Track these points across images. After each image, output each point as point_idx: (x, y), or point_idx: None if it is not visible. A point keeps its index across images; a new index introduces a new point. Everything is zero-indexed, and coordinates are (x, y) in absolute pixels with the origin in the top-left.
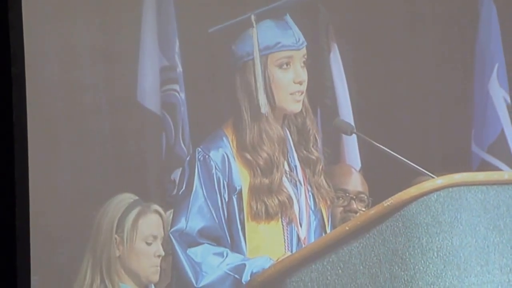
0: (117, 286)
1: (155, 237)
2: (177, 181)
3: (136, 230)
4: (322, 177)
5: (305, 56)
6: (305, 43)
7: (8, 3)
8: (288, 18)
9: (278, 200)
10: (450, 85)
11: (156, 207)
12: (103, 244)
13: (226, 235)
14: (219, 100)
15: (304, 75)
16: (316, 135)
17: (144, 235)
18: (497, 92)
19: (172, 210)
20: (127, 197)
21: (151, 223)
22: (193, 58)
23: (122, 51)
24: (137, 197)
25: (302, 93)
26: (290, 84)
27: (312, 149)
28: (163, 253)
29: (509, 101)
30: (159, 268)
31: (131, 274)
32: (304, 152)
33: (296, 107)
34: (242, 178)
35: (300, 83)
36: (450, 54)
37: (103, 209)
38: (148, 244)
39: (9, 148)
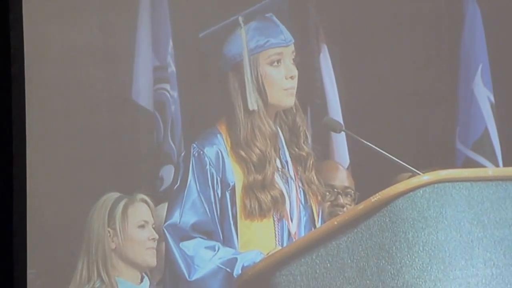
0: (114, 281)
1: (146, 222)
2: (164, 178)
3: (127, 219)
4: (313, 172)
5: (294, 53)
6: (293, 40)
7: (8, 4)
8: (273, 17)
9: (271, 196)
10: (436, 84)
11: (142, 196)
12: (97, 240)
13: (218, 230)
14: (211, 99)
15: (295, 70)
16: (307, 132)
17: (135, 221)
18: (481, 92)
19: (161, 205)
20: (112, 195)
21: (140, 210)
22: (186, 58)
23: (118, 51)
24: (121, 194)
25: (294, 87)
26: (282, 80)
27: (303, 145)
28: (157, 236)
29: (492, 100)
30: (155, 251)
31: (129, 262)
32: (296, 149)
33: (290, 102)
34: (235, 175)
35: (292, 78)
36: (436, 54)
37: (91, 211)
38: (141, 228)
39: (8, 146)
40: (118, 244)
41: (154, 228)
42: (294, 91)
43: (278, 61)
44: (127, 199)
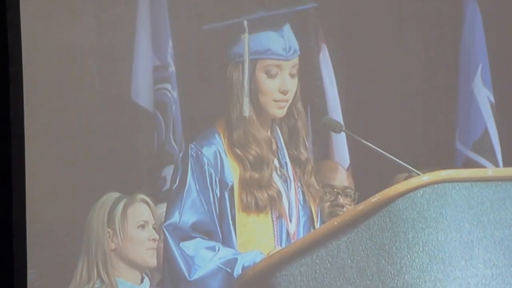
0: (114, 280)
1: (146, 222)
2: (167, 178)
3: (126, 219)
4: (313, 178)
5: (296, 66)
6: (297, 53)
7: (6, 4)
8: (286, 27)
9: (268, 194)
10: (436, 84)
11: (142, 196)
12: (96, 241)
13: (217, 230)
14: (211, 98)
15: (290, 85)
16: (305, 138)
17: (135, 221)
18: (481, 92)
19: (162, 205)
20: (112, 195)
21: (140, 210)
22: (186, 57)
23: (117, 50)
24: (121, 194)
25: (286, 101)
26: (275, 92)
27: (302, 150)
28: (157, 236)
29: (492, 100)
30: (155, 251)
31: (128, 263)
32: (295, 152)
33: (279, 113)
34: (233, 172)
35: (284, 93)
36: (436, 54)
37: (91, 211)
38: (141, 229)
39: (6, 145)
40: (117, 244)
41: (154, 229)
42: (286, 104)
43: (275, 72)
44: (126, 199)
